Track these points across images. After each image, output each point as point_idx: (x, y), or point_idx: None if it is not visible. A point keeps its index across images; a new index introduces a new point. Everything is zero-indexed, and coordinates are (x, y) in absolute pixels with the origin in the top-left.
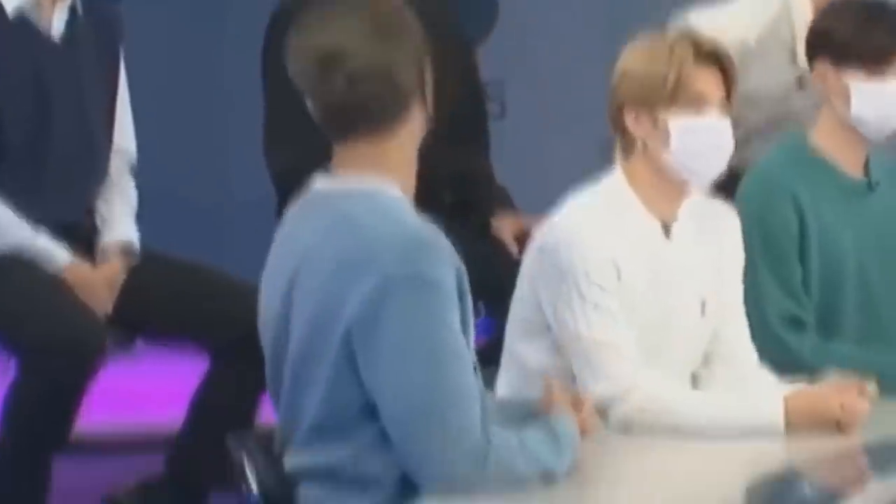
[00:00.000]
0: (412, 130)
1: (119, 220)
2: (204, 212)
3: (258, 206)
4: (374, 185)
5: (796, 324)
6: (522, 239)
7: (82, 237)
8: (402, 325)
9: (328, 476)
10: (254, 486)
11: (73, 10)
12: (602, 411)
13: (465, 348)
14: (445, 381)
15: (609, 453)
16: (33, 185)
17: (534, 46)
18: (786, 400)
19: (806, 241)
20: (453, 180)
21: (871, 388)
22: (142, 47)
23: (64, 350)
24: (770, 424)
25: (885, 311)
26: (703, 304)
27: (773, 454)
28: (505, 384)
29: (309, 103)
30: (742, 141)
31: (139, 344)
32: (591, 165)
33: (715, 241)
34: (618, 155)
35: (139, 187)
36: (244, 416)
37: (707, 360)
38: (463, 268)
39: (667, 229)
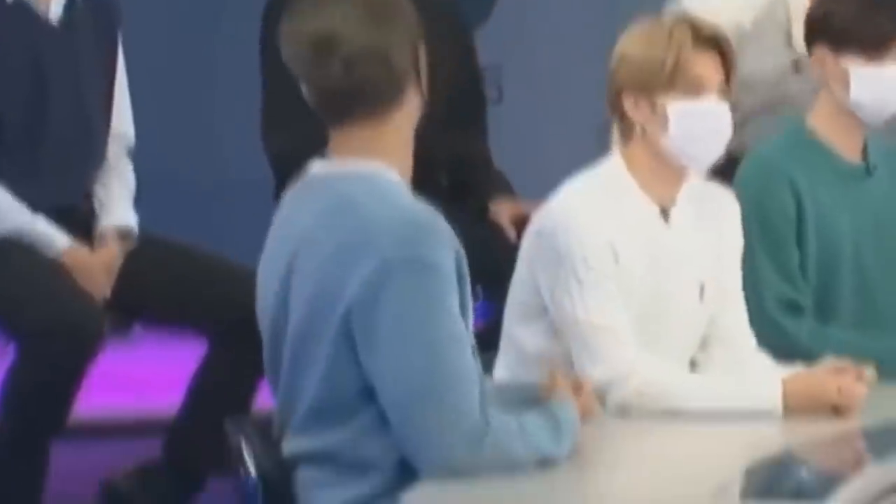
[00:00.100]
0: (408, 113)
1: (117, 205)
2: (202, 196)
3: (256, 189)
4: (371, 168)
5: (794, 308)
6: (520, 223)
7: (80, 221)
8: (401, 309)
9: (326, 460)
10: (252, 471)
11: None
12: (600, 395)
13: (463, 331)
14: (444, 365)
15: (607, 437)
16: (31, 169)
17: (532, 31)
18: (784, 383)
19: (803, 225)
20: (451, 164)
21: (870, 372)
22: (140, 31)
23: (62, 334)
24: (768, 408)
25: (881, 295)
26: (702, 289)
27: (770, 437)
28: (503, 368)
29: (304, 88)
30: (738, 125)
31: (137, 328)
32: (588, 150)
33: (714, 226)
34: (616, 139)
35: (137, 171)
36: (242, 400)
37: (705, 344)
38: (462, 251)
39: (665, 214)
